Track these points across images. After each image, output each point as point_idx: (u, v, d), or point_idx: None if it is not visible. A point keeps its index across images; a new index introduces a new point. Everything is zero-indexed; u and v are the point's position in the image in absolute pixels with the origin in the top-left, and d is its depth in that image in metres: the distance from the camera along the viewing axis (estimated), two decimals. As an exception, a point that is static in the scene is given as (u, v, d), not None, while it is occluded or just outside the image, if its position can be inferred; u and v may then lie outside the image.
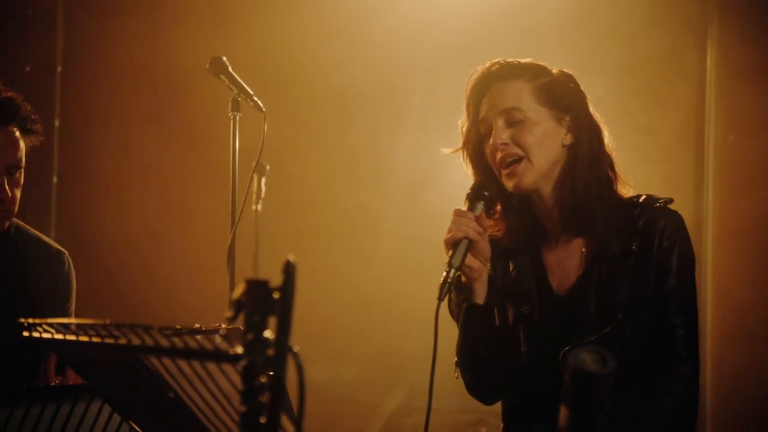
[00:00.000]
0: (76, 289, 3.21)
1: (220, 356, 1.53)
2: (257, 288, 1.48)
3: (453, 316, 2.66)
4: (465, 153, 2.67)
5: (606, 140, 2.60)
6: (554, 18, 5.82)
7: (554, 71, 2.60)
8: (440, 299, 2.41)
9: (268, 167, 4.69)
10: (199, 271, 5.59)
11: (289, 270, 1.47)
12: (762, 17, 5.77)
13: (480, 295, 2.54)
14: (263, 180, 4.53)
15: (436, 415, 2.56)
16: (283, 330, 1.47)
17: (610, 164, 2.59)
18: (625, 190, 2.61)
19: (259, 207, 4.60)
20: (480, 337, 2.57)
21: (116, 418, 2.15)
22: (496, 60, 2.61)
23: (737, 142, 5.78)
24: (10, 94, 2.90)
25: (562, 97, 2.53)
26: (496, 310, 2.59)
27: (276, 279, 1.47)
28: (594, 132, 2.55)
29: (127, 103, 6.10)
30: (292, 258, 1.48)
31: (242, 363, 1.47)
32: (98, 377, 1.91)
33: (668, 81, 5.89)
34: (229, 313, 1.52)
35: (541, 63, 2.62)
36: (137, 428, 2.00)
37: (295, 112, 5.84)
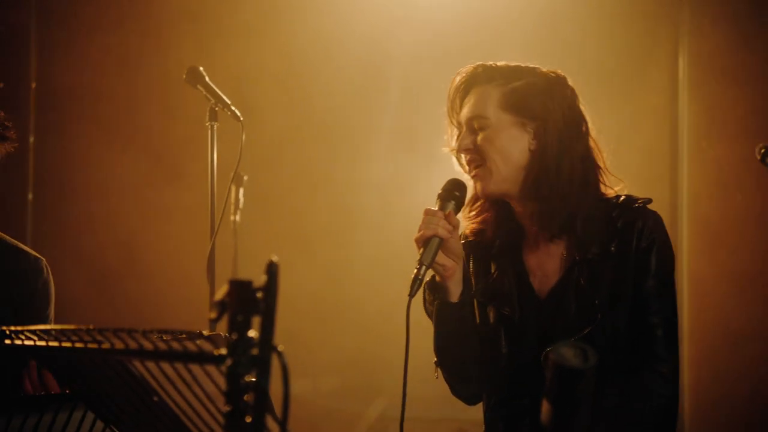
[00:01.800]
0: (54, 298, 3.20)
1: (204, 358, 1.53)
2: (240, 288, 1.49)
3: (428, 315, 2.69)
4: (455, 154, 2.71)
5: (592, 135, 2.60)
6: (526, 26, 5.86)
7: (536, 71, 2.60)
8: (411, 296, 2.45)
9: (245, 177, 4.70)
10: (179, 282, 5.58)
11: (272, 270, 1.49)
12: (733, 23, 5.84)
13: (454, 294, 2.57)
14: (241, 190, 4.53)
15: (415, 425, 2.58)
16: (267, 329, 1.48)
17: (591, 165, 2.59)
18: (612, 191, 2.62)
19: (238, 217, 4.61)
20: (454, 334, 2.59)
21: (99, 425, 2.14)
22: (476, 63, 2.63)
23: (711, 148, 5.84)
24: None
25: (530, 102, 2.54)
26: (477, 311, 2.61)
27: (257, 282, 1.49)
28: (568, 133, 2.55)
29: (103, 117, 6.08)
30: (275, 258, 1.50)
31: (227, 363, 1.48)
32: (81, 384, 1.91)
33: (640, 89, 5.93)
34: (212, 314, 1.52)
35: (522, 64, 2.63)
36: (119, 433, 2.00)
37: (269, 123, 5.85)
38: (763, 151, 3.89)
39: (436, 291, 2.60)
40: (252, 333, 1.48)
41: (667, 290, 2.55)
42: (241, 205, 4.50)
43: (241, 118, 3.47)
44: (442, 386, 2.80)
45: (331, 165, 6.09)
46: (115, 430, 2.02)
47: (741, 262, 5.68)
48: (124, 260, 5.91)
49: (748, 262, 5.69)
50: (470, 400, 2.75)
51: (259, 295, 1.48)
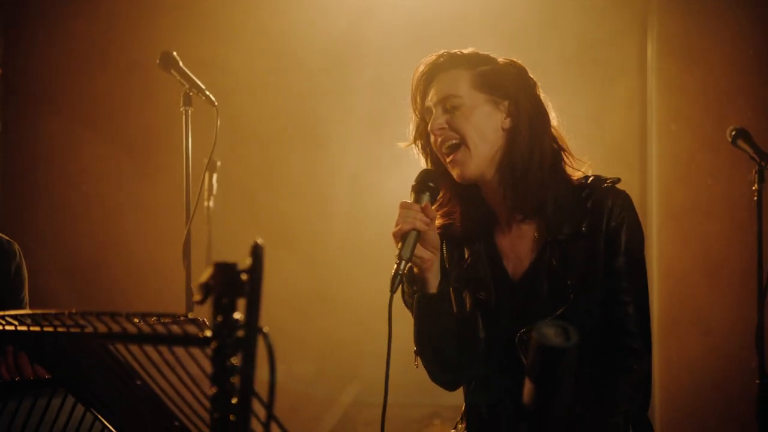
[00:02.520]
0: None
1: (190, 340, 1.54)
2: (225, 270, 1.49)
3: (407, 307, 2.69)
4: (418, 146, 2.71)
5: (553, 124, 2.63)
6: (497, 14, 5.88)
7: (499, 60, 2.63)
8: (392, 292, 2.43)
9: (219, 163, 4.69)
10: (153, 268, 5.56)
11: (257, 252, 1.49)
12: (701, 8, 5.88)
13: (433, 285, 2.58)
14: (214, 176, 4.52)
15: (390, 410, 2.58)
16: (253, 311, 1.48)
17: (557, 147, 2.62)
18: (578, 173, 2.65)
19: (211, 203, 4.59)
20: (435, 325, 2.60)
21: (79, 409, 2.14)
22: (440, 52, 2.64)
23: (680, 131, 5.88)
24: None
25: (501, 82, 2.57)
26: (453, 298, 2.62)
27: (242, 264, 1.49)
28: (537, 116, 2.58)
29: (73, 104, 6.03)
30: (260, 240, 1.50)
31: (213, 345, 1.48)
32: (63, 368, 1.90)
33: (610, 73, 5.96)
34: (197, 297, 1.53)
35: (486, 53, 2.65)
36: (101, 417, 2.00)
37: (241, 110, 5.83)
38: (734, 133, 3.96)
39: (415, 283, 2.60)
40: (237, 315, 1.48)
41: (637, 268, 2.58)
42: (214, 191, 4.48)
43: (216, 103, 3.45)
44: (417, 372, 2.81)
45: (303, 152, 6.08)
46: (95, 413, 2.02)
47: (712, 249, 5.74)
48: (98, 248, 5.87)
49: (719, 249, 5.74)
50: (450, 386, 2.76)
51: (244, 277, 1.49)
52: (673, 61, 5.92)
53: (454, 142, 2.57)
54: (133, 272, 5.76)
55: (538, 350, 1.61)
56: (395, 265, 2.45)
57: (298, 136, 6.08)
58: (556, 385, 1.64)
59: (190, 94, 3.43)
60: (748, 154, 3.81)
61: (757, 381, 3.71)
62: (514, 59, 2.67)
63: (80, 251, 5.89)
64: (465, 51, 2.63)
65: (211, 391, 1.48)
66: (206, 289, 1.51)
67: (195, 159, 3.68)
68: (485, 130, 2.55)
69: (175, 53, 3.45)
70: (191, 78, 3.43)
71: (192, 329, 1.55)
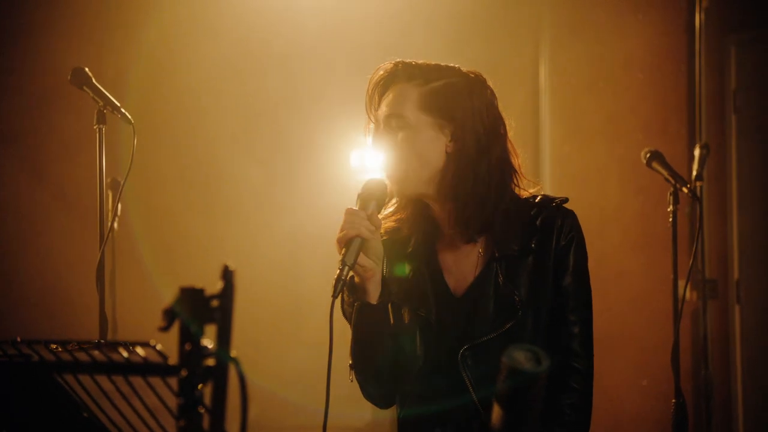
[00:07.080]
0: None
1: (155, 369, 1.47)
2: (193, 296, 1.44)
3: (346, 318, 2.64)
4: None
5: (506, 144, 2.60)
6: (398, 29, 5.90)
7: (456, 71, 2.58)
8: (334, 296, 2.38)
9: (122, 183, 4.56)
10: (63, 293, 5.38)
11: (228, 276, 1.44)
12: (591, 34, 6.03)
13: (373, 296, 2.53)
14: (119, 197, 4.38)
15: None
16: (225, 339, 1.43)
17: (507, 169, 2.60)
18: (526, 192, 2.64)
19: (116, 225, 4.45)
20: (373, 337, 2.55)
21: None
22: (396, 60, 2.60)
23: (573, 152, 6.00)
24: None
25: (449, 104, 2.52)
26: (390, 311, 2.58)
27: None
28: (486, 137, 2.54)
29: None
30: (231, 265, 1.45)
31: (181, 375, 1.42)
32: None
33: (502, 91, 6.03)
34: (162, 323, 1.46)
35: (443, 63, 2.61)
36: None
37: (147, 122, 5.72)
38: (648, 155, 4.05)
39: (355, 293, 2.56)
40: (206, 342, 1.43)
41: (583, 288, 2.59)
42: (119, 213, 4.34)
43: (132, 121, 3.35)
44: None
45: (206, 167, 5.98)
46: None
47: (604, 265, 5.86)
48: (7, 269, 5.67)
49: (611, 265, 5.87)
50: (383, 403, 2.71)
51: (214, 303, 1.43)
52: (565, 83, 6.04)
53: (394, 163, 2.54)
54: (41, 297, 5.55)
55: (509, 375, 1.59)
56: (338, 271, 2.41)
57: (199, 155, 5.98)
58: (526, 410, 1.62)
59: (104, 111, 3.33)
60: (663, 176, 3.88)
61: (673, 400, 3.78)
62: (474, 72, 2.61)
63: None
64: (419, 62, 2.58)
65: (179, 424, 1.42)
66: (171, 315, 1.45)
67: (95, 178, 3.57)
68: (427, 155, 2.53)
69: (87, 69, 3.34)
70: (105, 95, 3.32)
71: (155, 357, 1.48)
